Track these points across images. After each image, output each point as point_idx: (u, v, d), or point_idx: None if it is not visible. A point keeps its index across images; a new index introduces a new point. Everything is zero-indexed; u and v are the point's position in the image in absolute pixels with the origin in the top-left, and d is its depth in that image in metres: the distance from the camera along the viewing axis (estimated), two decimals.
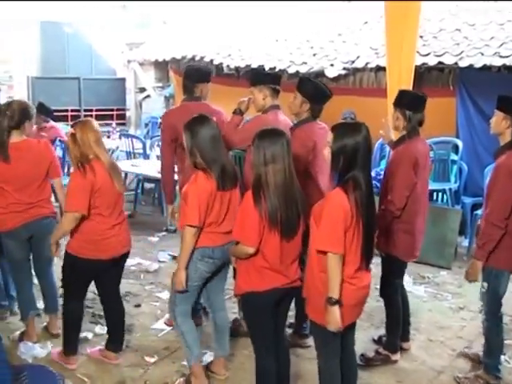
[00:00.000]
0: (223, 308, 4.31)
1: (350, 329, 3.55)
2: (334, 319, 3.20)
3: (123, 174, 9.19)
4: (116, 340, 4.47)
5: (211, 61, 10.22)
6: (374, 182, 6.57)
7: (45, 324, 4.85)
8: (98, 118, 12.84)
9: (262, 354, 3.66)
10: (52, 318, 4.79)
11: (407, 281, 5.62)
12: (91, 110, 13.04)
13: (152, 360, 4.43)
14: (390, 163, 4.44)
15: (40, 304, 4.90)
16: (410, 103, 4.30)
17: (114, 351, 4.46)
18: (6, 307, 5.05)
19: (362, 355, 4.46)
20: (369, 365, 4.44)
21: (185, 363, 4.34)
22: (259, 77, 4.66)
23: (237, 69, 9.82)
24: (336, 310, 3.18)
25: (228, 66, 9.97)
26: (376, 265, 4.50)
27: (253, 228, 3.38)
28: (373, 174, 7.09)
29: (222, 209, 3.89)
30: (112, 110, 13.32)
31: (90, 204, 4.00)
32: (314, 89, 4.42)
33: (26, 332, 4.65)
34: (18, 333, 4.71)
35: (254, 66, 9.30)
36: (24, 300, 4.67)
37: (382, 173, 4.69)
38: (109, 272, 4.29)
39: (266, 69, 9.01)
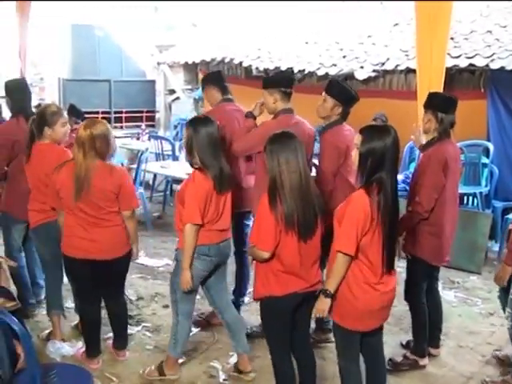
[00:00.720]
0: (230, 305, 4.37)
1: (376, 333, 3.55)
2: (323, 308, 3.34)
3: (151, 176, 9.37)
4: (119, 338, 4.54)
5: (240, 63, 10.25)
6: (403, 185, 6.58)
7: (76, 322, 4.89)
8: (127, 119, 13.01)
9: (279, 357, 3.68)
10: None
11: None
12: (121, 112, 13.14)
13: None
14: (419, 165, 4.40)
15: (69, 303, 4.97)
16: (441, 105, 4.26)
17: (117, 348, 4.54)
18: (34, 305, 5.14)
19: (390, 360, 4.43)
20: (397, 370, 4.40)
21: (213, 364, 4.45)
22: (270, 80, 4.64)
23: (266, 71, 9.81)
24: (328, 301, 3.31)
25: (257, 68, 9.98)
26: (404, 269, 4.49)
27: (268, 232, 3.38)
28: (402, 177, 7.06)
29: (217, 208, 3.96)
30: (141, 112, 13.39)
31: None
32: (346, 91, 4.44)
33: (52, 331, 4.71)
34: (46, 332, 4.78)
35: (283, 68, 9.30)
36: (51, 297, 4.72)
37: (411, 176, 4.65)
38: (97, 275, 4.20)
39: (295, 71, 9.01)
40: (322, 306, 3.33)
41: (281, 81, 4.59)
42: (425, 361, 4.49)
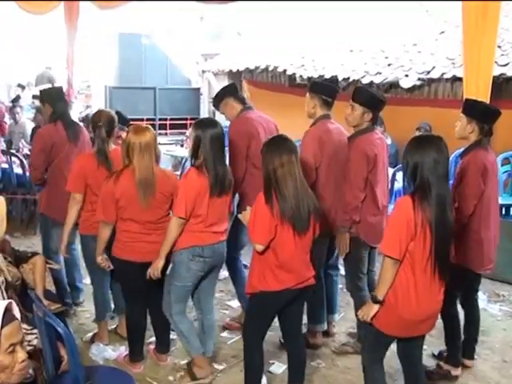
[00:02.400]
0: (211, 312, 4.41)
1: (417, 342, 3.52)
2: (368, 314, 3.35)
3: None
4: (161, 343, 4.56)
5: (284, 71, 10.25)
6: None
7: (114, 326, 4.95)
8: (172, 126, 13.14)
9: (252, 348, 3.81)
10: (122, 319, 4.84)
11: (482, 298, 5.45)
12: (166, 119, 13.28)
13: (221, 367, 4.45)
14: (458, 172, 4.36)
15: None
16: (486, 117, 4.22)
17: (159, 352, 4.55)
18: (71, 305, 5.24)
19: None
20: (430, 378, 4.29)
21: None
22: (316, 86, 4.73)
23: (310, 79, 9.79)
24: (375, 307, 3.31)
25: (301, 76, 9.96)
26: None
27: (263, 225, 3.50)
28: None
29: (210, 210, 3.98)
30: (186, 120, 13.49)
31: (117, 210, 4.10)
32: (373, 97, 4.46)
33: (98, 334, 4.77)
34: (90, 334, 4.85)
35: (328, 76, 9.25)
36: (100, 302, 4.78)
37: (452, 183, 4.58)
38: (151, 278, 4.20)
39: (340, 79, 8.97)
40: (368, 310, 3.36)
41: (324, 88, 4.64)
42: (457, 371, 4.41)
